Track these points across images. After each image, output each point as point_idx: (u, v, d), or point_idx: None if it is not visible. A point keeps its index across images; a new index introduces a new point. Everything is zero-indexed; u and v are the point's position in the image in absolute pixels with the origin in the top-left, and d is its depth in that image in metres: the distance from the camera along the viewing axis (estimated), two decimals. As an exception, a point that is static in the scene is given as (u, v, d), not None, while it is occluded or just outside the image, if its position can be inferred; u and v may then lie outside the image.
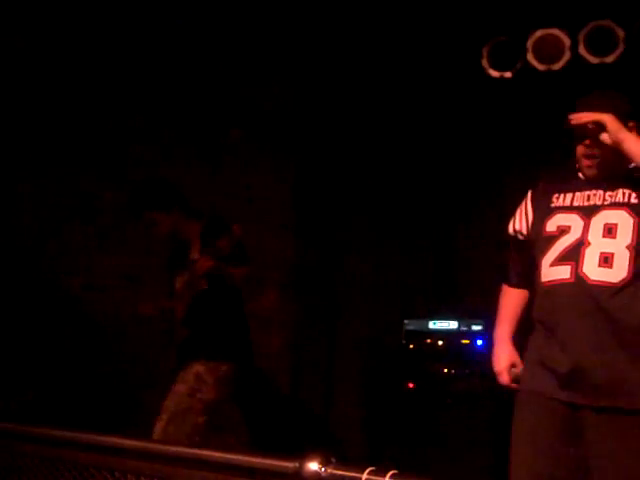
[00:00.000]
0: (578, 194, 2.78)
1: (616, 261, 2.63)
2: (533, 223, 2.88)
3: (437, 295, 6.13)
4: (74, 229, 5.04)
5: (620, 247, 2.65)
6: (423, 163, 5.99)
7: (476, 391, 5.22)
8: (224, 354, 4.14)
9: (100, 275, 5.07)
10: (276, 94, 5.71)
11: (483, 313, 5.23)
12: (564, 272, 2.69)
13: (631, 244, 2.64)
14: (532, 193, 2.93)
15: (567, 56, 5.10)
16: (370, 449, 5.52)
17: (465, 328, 5.52)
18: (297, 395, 5.82)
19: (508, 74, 5.29)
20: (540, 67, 5.18)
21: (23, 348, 4.63)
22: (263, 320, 5.10)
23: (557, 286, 2.71)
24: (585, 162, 2.76)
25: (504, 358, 2.95)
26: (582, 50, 5.06)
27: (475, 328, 5.47)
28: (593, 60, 5.05)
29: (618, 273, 2.63)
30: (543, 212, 2.83)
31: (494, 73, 5.31)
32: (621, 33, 4.96)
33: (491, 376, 3.04)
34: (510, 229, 2.99)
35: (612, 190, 2.72)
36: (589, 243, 2.68)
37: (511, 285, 3.02)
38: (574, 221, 2.73)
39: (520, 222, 2.94)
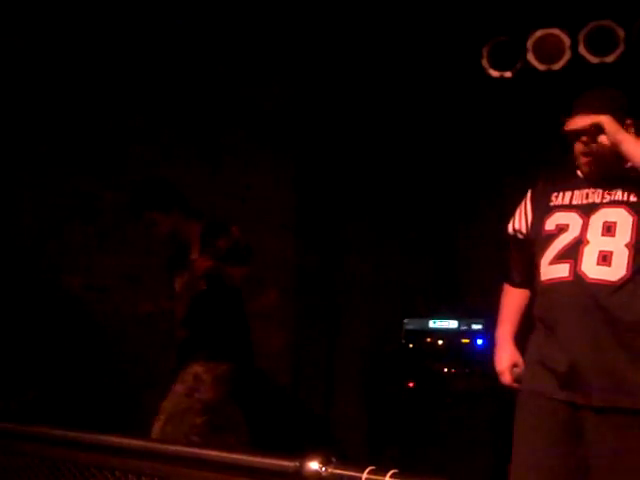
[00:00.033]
0: (577, 192, 2.78)
1: (615, 259, 2.63)
2: (532, 222, 2.87)
3: (437, 295, 6.13)
4: (74, 229, 5.04)
5: (619, 245, 2.64)
6: (423, 163, 6.00)
7: (476, 390, 5.22)
8: (223, 354, 4.14)
9: (100, 275, 5.06)
10: (276, 94, 5.71)
11: (483, 312, 5.24)
12: (563, 270, 2.68)
13: (630, 242, 2.64)
14: (532, 192, 2.93)
15: (567, 56, 5.10)
16: (370, 449, 5.52)
17: (465, 327, 5.53)
18: (297, 395, 5.82)
19: (508, 74, 5.30)
20: (540, 67, 5.19)
21: (23, 348, 4.63)
22: (263, 320, 5.09)
23: (556, 284, 2.70)
24: (583, 159, 2.76)
25: (506, 358, 2.95)
26: (582, 50, 5.07)
27: (475, 327, 5.48)
28: (593, 60, 5.05)
29: (617, 271, 2.62)
30: (542, 211, 2.83)
31: (494, 73, 5.32)
32: (621, 33, 4.96)
33: (491, 375, 3.04)
34: (510, 228, 2.98)
35: (611, 188, 2.72)
36: (588, 241, 2.67)
37: (513, 285, 3.02)
38: (573, 219, 2.73)
39: (520, 221, 2.93)
